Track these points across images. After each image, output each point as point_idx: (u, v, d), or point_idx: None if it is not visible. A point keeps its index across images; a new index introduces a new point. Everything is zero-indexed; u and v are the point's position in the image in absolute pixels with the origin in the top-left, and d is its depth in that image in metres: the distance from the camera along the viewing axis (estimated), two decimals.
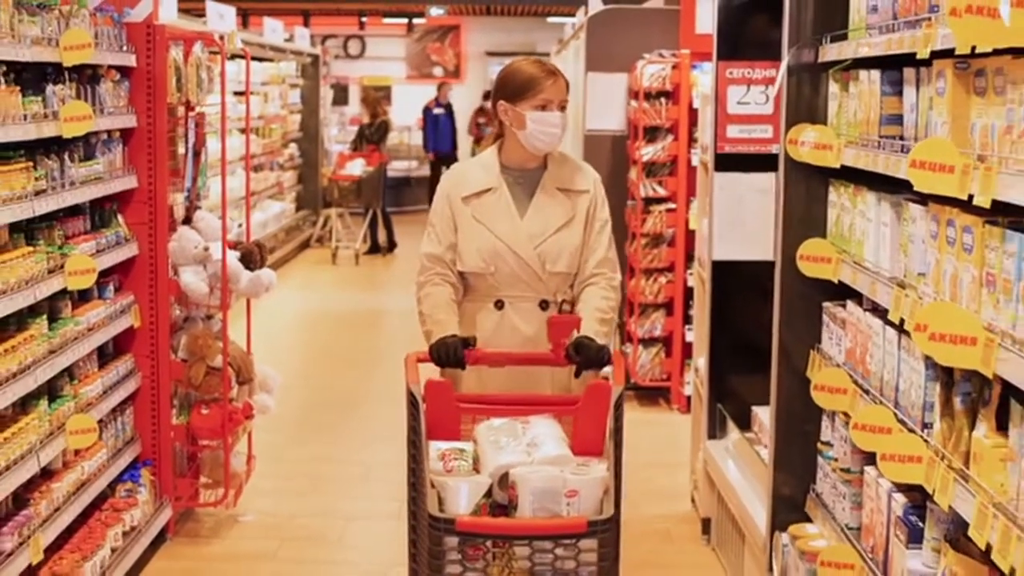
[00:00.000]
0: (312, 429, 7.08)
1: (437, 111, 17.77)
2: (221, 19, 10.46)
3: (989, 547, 2.38)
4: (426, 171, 18.43)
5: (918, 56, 2.76)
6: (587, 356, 3.47)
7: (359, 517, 5.60)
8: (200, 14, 11.47)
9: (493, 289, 3.75)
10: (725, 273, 5.06)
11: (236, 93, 9.50)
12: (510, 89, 3.73)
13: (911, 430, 2.89)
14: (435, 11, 20.71)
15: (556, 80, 3.70)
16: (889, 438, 2.88)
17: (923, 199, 2.85)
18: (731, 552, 4.78)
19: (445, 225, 3.78)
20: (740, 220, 4.88)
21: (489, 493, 3.09)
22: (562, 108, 3.71)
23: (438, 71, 21.77)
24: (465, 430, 3.40)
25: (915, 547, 2.92)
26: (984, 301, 2.48)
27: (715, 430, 5.14)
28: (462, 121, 18.83)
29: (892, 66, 3.15)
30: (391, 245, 14.40)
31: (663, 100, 7.40)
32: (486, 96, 19.05)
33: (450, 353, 3.50)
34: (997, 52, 2.37)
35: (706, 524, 5.20)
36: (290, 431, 6.85)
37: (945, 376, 2.74)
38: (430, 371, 3.55)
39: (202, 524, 5.38)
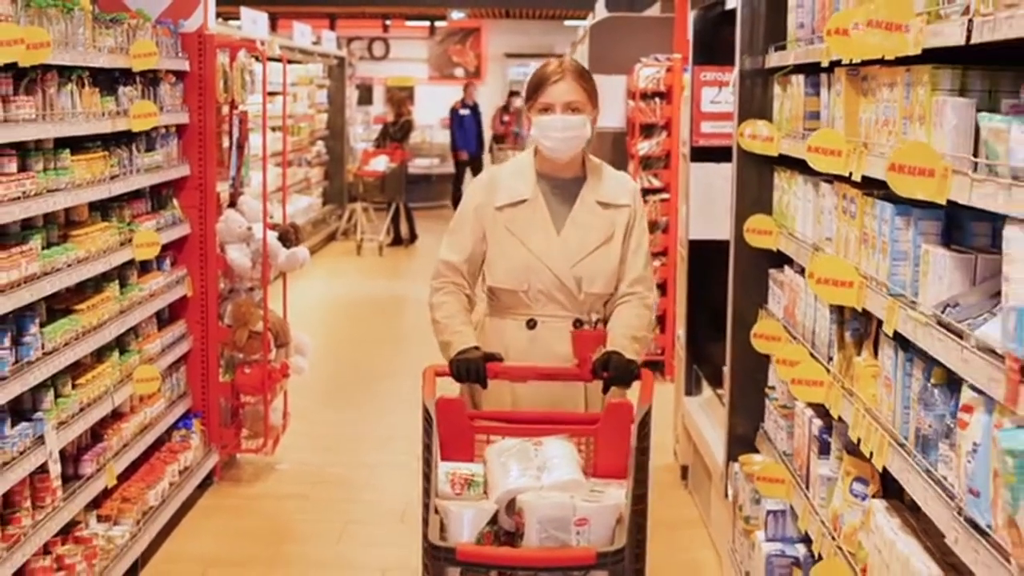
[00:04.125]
0: (341, 397, 7.85)
1: (463, 112, 18.07)
2: (254, 24, 11.22)
3: (860, 440, 3.10)
4: (446, 168, 19.02)
5: (822, 65, 3.48)
6: (616, 371, 3.33)
7: (383, 465, 6.35)
8: (229, 17, 12.22)
9: (525, 307, 3.55)
10: (700, 251, 5.79)
11: (270, 93, 10.22)
12: (527, 93, 3.62)
13: (819, 362, 3.61)
14: (456, 14, 21.39)
15: (561, 81, 3.50)
16: (800, 367, 3.61)
17: (831, 180, 3.58)
18: (702, 491, 5.50)
19: (469, 234, 3.59)
20: (712, 204, 5.58)
21: (495, 520, 2.93)
22: (573, 110, 3.50)
23: (459, 72, 22.44)
24: (483, 446, 3.26)
25: (824, 457, 3.65)
26: (863, 255, 3.20)
27: (692, 388, 5.87)
28: (487, 122, 19.28)
29: (817, 72, 3.86)
30: (412, 237, 15.14)
31: (658, 100, 8.14)
32: (511, 95, 19.65)
33: (471, 369, 3.34)
34: (867, 62, 3.10)
35: (684, 471, 5.93)
36: (321, 399, 7.61)
37: (840, 317, 3.47)
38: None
39: (244, 470, 6.15)
